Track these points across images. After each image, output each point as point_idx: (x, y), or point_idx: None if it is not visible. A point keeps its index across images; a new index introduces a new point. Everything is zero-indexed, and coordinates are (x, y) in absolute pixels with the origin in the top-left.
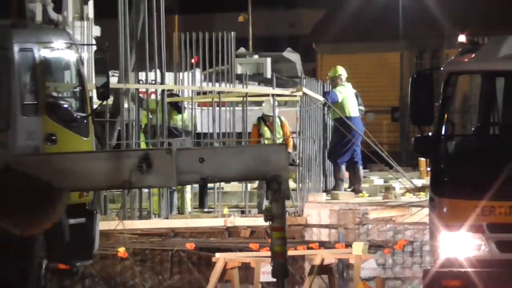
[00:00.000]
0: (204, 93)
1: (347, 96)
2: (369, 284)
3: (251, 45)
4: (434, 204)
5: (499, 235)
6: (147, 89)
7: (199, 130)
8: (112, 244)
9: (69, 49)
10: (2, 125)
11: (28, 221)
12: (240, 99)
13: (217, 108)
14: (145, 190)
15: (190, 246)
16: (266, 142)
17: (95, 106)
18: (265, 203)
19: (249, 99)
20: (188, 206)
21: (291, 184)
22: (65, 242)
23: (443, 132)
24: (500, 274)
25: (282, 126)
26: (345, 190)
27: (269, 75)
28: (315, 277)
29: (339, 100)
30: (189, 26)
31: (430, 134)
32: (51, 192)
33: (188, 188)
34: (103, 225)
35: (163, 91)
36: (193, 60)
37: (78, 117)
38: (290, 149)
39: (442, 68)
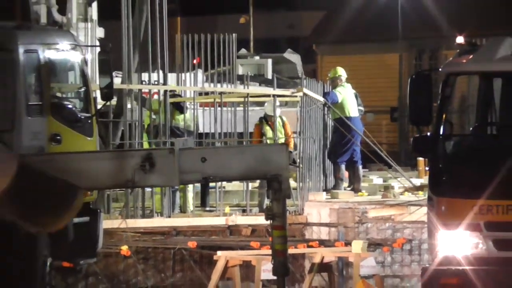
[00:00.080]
0: (206, 93)
1: (347, 97)
2: (368, 282)
3: (252, 46)
4: (433, 203)
5: (496, 234)
6: (150, 90)
7: (201, 130)
8: (115, 242)
9: (73, 50)
10: (7, 126)
11: (44, 219)
12: (242, 99)
13: (219, 109)
14: (148, 189)
15: (192, 244)
16: (268, 141)
17: (99, 107)
18: (266, 202)
19: (250, 99)
20: (190, 205)
21: (292, 183)
22: (70, 240)
23: (441, 132)
24: (497, 272)
25: (283, 126)
26: (344, 189)
27: (270, 76)
28: (315, 275)
29: (339, 101)
30: (191, 28)
31: (428, 134)
32: (66, 190)
33: (190, 187)
34: (106, 223)
35: (165, 91)
36: (195, 61)
37: (83, 117)
38: (291, 149)
39: (440, 69)
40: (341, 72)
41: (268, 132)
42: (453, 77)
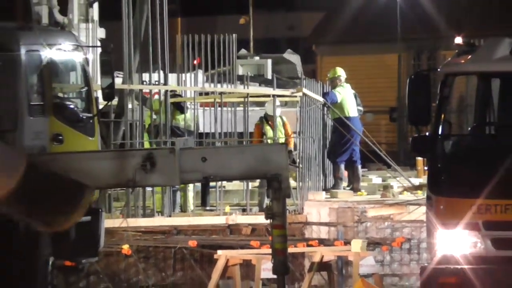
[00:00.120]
0: (206, 93)
1: (346, 97)
2: (368, 281)
3: (252, 46)
4: (431, 203)
5: (494, 233)
6: (150, 90)
7: (201, 130)
8: (117, 241)
9: (75, 50)
10: (9, 126)
11: (52, 218)
12: (242, 99)
13: (219, 109)
14: (149, 189)
15: (192, 243)
16: (268, 141)
17: (100, 107)
18: (266, 201)
19: (250, 99)
20: (191, 204)
21: (291, 182)
22: (71, 239)
23: (440, 132)
24: (496, 270)
25: (284, 125)
26: (344, 188)
27: (269, 76)
28: (315, 274)
29: (338, 101)
30: (191, 29)
31: (427, 134)
32: (74, 189)
33: (190, 186)
34: (107, 223)
35: (166, 91)
36: (195, 62)
37: (84, 117)
38: (291, 147)
39: (439, 69)
40: (341, 72)
41: (269, 131)
42: (451, 77)
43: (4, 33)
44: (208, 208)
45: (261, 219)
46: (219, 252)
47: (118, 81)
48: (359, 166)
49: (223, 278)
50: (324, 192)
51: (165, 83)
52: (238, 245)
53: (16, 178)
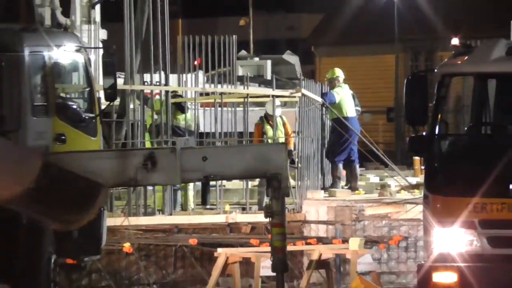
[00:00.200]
0: (207, 94)
1: (345, 97)
2: (365, 278)
3: (252, 48)
4: (428, 201)
5: (490, 231)
6: (151, 90)
7: (201, 129)
8: (118, 239)
9: (77, 52)
10: (13, 126)
11: (68, 217)
12: (241, 100)
13: (219, 109)
14: (150, 188)
15: (193, 241)
16: (269, 140)
17: (103, 107)
18: (266, 200)
19: (250, 100)
20: (191, 203)
21: (290, 182)
22: (74, 238)
23: (436, 132)
24: (492, 268)
25: (284, 125)
26: (342, 187)
27: (269, 77)
28: (313, 272)
29: (337, 101)
30: (192, 30)
31: (424, 133)
32: (90, 187)
33: (191, 185)
34: (109, 221)
35: (167, 92)
36: (196, 63)
37: (87, 117)
38: (291, 146)
39: (436, 70)
40: (339, 73)
41: (269, 131)
42: (448, 78)
43: (8, 34)
44: (208, 206)
45: (260, 217)
46: (219, 250)
47: (119, 81)
48: (357, 166)
49: (223, 276)
50: (322, 191)
51: (166, 84)
52: (238, 243)
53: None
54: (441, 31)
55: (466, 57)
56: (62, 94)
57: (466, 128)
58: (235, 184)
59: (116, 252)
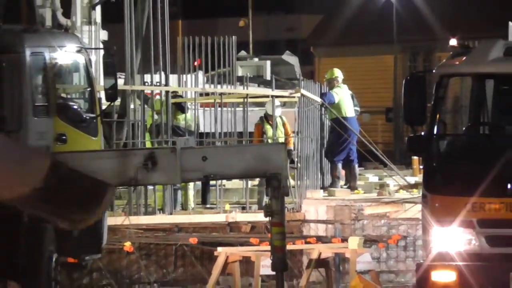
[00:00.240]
0: (207, 94)
1: (344, 97)
2: (364, 277)
3: (252, 48)
4: (427, 201)
5: (488, 230)
6: (152, 91)
7: (201, 129)
8: (119, 238)
9: (78, 52)
10: (14, 126)
11: (75, 216)
12: (241, 100)
13: (219, 109)
14: (150, 187)
15: (193, 240)
16: (269, 140)
17: (103, 107)
18: (265, 199)
19: (250, 100)
20: (191, 203)
21: (290, 181)
22: (75, 237)
23: (435, 132)
24: (490, 267)
25: (283, 125)
26: (341, 187)
27: (268, 77)
28: (313, 270)
29: (336, 101)
30: (192, 31)
31: (422, 133)
32: (97, 187)
33: (191, 185)
34: (110, 220)
35: (167, 92)
36: (196, 63)
37: (87, 117)
38: (291, 146)
39: (434, 71)
40: (338, 73)
41: (269, 131)
42: (446, 78)
43: (10, 35)
44: (208, 206)
45: (260, 217)
46: (219, 249)
47: (120, 82)
48: (356, 165)
49: (223, 275)
50: (322, 191)
51: (166, 84)
52: (238, 242)
53: (40, 176)
54: (439, 32)
55: (464, 58)
56: (63, 95)
57: (464, 128)
58: (235, 183)
59: (117, 251)
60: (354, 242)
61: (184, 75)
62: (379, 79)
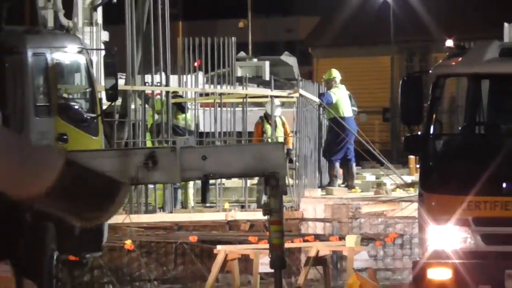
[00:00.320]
0: (206, 94)
1: (341, 98)
2: (362, 275)
3: (251, 49)
4: (423, 199)
5: (484, 229)
6: (152, 91)
7: (201, 129)
8: (120, 237)
9: (79, 53)
10: (16, 126)
11: (89, 214)
12: (240, 100)
13: (219, 109)
14: (151, 186)
15: (193, 238)
16: (268, 139)
17: (104, 107)
18: (264, 198)
19: (249, 100)
20: (191, 201)
21: (289, 180)
22: (76, 235)
23: (431, 132)
24: (485, 265)
25: (283, 125)
26: (339, 186)
27: (267, 78)
28: (311, 268)
29: (334, 101)
30: (192, 32)
31: (419, 133)
32: (111, 185)
33: (191, 184)
34: (111, 219)
35: (167, 92)
36: (196, 64)
37: (88, 117)
38: (290, 145)
39: (430, 71)
40: (336, 74)
41: (269, 130)
42: (442, 79)
43: (12, 36)
44: (208, 204)
45: (259, 215)
46: (219, 247)
47: (121, 82)
48: (354, 164)
49: (222, 272)
50: (319, 189)
51: (167, 84)
52: (237, 241)
53: (55, 173)
54: (435, 33)
55: (460, 59)
56: (65, 95)
57: (460, 128)
58: (234, 182)
59: (117, 249)
60: (351, 240)
61: (184, 76)
62: (376, 80)
